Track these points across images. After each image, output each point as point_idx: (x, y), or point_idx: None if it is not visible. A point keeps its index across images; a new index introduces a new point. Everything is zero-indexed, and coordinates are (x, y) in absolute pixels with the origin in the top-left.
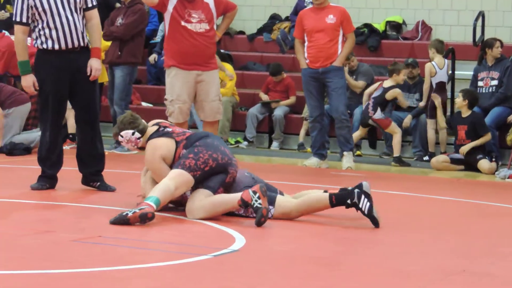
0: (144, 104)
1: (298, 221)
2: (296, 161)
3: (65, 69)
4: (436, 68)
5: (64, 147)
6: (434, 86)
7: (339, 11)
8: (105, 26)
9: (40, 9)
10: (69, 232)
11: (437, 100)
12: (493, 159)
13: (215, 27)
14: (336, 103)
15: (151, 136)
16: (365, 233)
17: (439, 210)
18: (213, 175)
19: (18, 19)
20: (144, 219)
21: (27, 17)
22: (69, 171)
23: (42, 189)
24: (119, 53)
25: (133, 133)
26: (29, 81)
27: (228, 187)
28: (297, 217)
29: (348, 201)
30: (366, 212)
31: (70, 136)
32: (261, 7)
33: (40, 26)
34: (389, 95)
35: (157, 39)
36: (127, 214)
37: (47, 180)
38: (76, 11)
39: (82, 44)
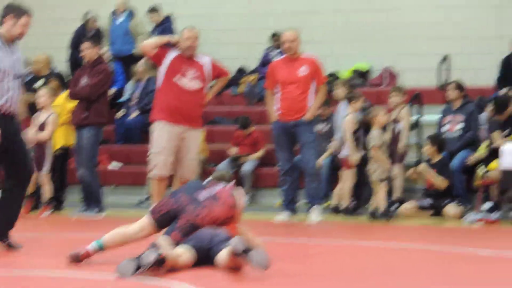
0: (113, 163)
1: (268, 275)
2: (267, 216)
3: None
4: None
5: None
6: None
7: (311, 62)
8: (70, 86)
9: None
10: None
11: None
12: (459, 204)
13: (206, 89)
14: (307, 157)
15: None
16: (337, 285)
17: (406, 259)
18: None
19: None
20: (74, 259)
21: None
22: None
23: None
24: (86, 113)
25: None
26: None
27: (183, 233)
28: None
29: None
30: None
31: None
32: (229, 60)
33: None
34: (343, 122)
35: (124, 97)
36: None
37: None
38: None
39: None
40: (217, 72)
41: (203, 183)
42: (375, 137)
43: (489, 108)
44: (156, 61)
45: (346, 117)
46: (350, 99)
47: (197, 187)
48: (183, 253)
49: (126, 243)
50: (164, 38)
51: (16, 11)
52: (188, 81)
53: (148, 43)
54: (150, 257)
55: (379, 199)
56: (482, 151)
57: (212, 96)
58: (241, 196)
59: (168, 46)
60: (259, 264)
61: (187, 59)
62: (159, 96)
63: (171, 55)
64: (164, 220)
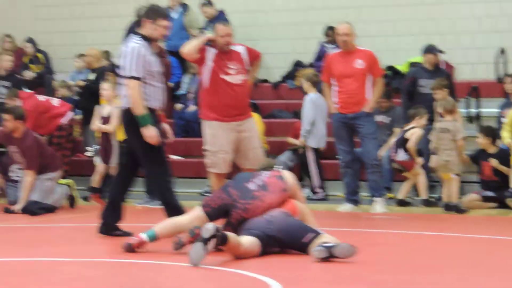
0: (173, 157)
1: (332, 263)
2: (329, 207)
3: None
4: None
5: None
6: None
7: (367, 55)
8: None
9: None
10: None
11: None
12: None
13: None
14: (368, 148)
15: None
16: (401, 275)
17: (472, 249)
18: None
19: (135, 74)
20: (126, 249)
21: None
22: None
23: None
24: None
25: None
26: (153, 132)
27: (235, 228)
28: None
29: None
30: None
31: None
32: (284, 55)
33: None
34: (408, 133)
35: (182, 90)
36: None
37: None
38: None
39: None
40: (252, 56)
41: (251, 174)
42: (461, 129)
43: None
44: (198, 63)
45: (411, 130)
46: (414, 115)
47: (246, 178)
48: (247, 241)
49: (178, 233)
50: (203, 38)
51: (154, 15)
52: (233, 76)
53: (189, 49)
54: (209, 227)
55: (452, 192)
56: None
57: (252, 81)
58: (289, 175)
59: (205, 44)
60: (347, 256)
61: (226, 54)
62: (208, 95)
63: (210, 53)
64: (216, 213)
